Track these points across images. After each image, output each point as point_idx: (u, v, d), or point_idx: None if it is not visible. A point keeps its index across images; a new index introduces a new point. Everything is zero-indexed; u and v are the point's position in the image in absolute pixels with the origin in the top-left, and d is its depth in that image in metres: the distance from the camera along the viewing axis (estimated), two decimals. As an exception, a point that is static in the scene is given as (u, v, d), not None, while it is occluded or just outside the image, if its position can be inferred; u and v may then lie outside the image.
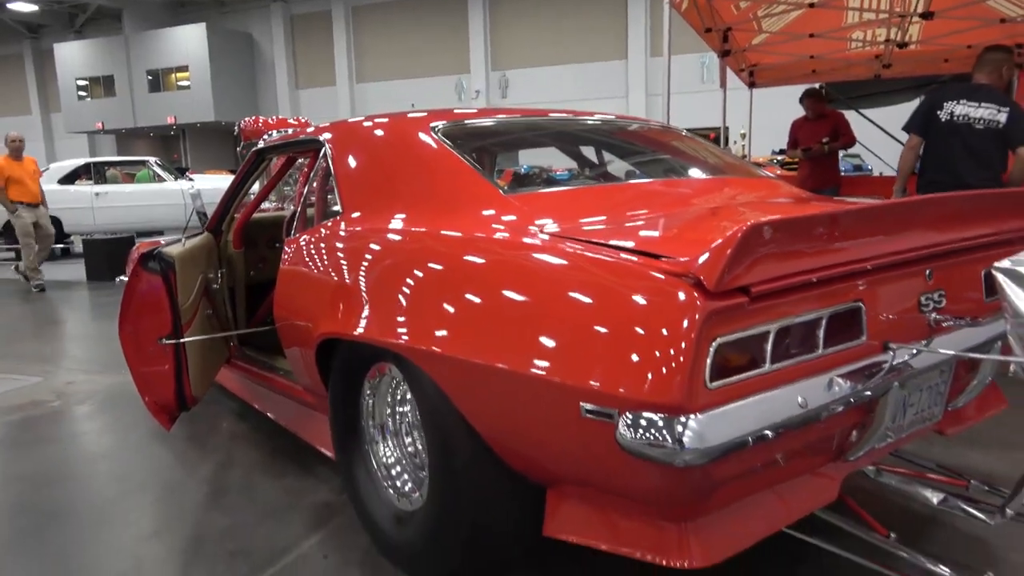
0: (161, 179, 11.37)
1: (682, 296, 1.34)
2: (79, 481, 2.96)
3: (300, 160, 3.44)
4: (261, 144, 3.26)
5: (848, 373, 1.56)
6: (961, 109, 4.03)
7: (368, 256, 2.13)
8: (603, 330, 1.44)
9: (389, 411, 2.23)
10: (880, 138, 7.59)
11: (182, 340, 2.63)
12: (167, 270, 2.62)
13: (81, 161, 11.61)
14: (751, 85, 8.73)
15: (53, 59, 31.24)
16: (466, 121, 2.48)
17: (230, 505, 2.67)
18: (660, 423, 1.32)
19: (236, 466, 3.03)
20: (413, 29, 27.14)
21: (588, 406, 1.44)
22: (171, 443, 3.31)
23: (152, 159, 11.98)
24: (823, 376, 1.52)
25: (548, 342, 1.54)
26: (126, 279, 2.70)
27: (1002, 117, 3.95)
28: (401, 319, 1.93)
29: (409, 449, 2.22)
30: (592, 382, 1.43)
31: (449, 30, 26.52)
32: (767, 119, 10.17)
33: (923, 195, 2.54)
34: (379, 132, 2.50)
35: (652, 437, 1.32)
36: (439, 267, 1.88)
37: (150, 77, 29.50)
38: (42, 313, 7.16)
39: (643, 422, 1.34)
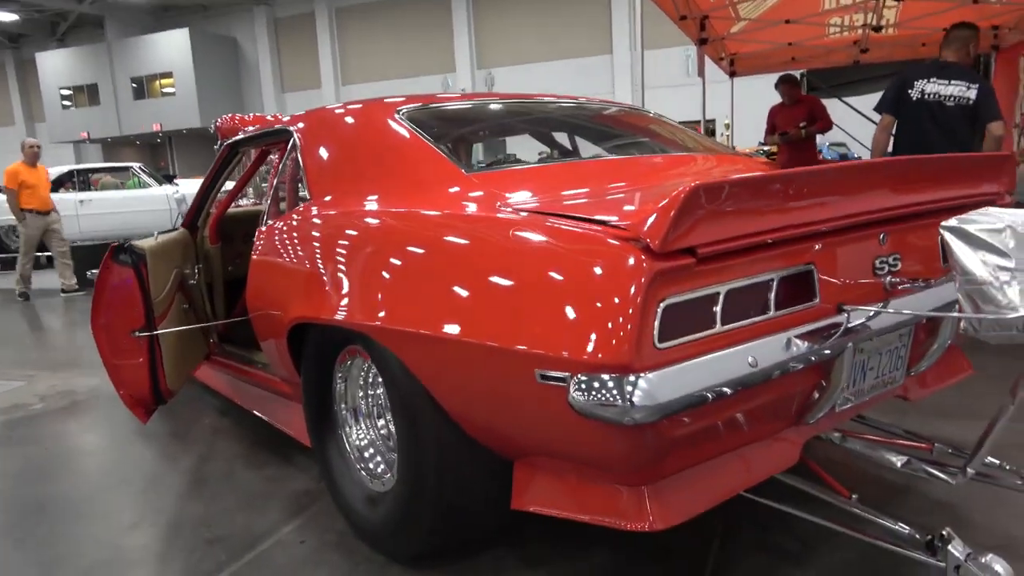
0: (146, 184, 11.34)
1: (628, 259, 1.36)
2: (62, 477, 2.96)
3: (272, 155, 3.44)
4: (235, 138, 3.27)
5: (801, 335, 1.58)
6: (932, 87, 4.07)
7: (332, 240, 2.15)
8: (554, 296, 1.46)
9: (361, 394, 2.25)
10: (863, 126, 7.65)
11: (155, 332, 2.64)
12: (138, 263, 2.62)
13: (64, 168, 11.58)
14: (732, 74, 8.77)
15: (35, 68, 31.00)
16: (432, 105, 2.50)
17: (210, 495, 2.69)
18: (610, 383, 1.34)
19: (217, 458, 3.04)
20: (397, 30, 27.08)
21: (542, 372, 1.46)
22: (153, 439, 3.32)
23: (136, 165, 11.95)
24: (775, 337, 1.54)
25: (502, 311, 1.56)
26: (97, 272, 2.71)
27: (972, 94, 3.99)
28: (364, 300, 1.95)
29: (382, 431, 2.24)
30: (544, 348, 1.45)
31: (434, 29, 26.48)
32: (754, 110, 10.21)
33: (873, 159, 2.56)
34: (346, 119, 2.51)
35: (603, 398, 1.34)
36: (396, 246, 1.91)
37: (134, 84, 29.32)
38: (26, 320, 7.14)
39: (595, 384, 1.36)
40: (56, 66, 30.58)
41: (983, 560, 1.55)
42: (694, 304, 1.43)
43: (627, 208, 1.69)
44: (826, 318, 1.66)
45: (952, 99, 4.02)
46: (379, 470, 2.21)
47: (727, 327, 1.48)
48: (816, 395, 1.74)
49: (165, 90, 28.89)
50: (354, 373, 2.23)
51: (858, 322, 1.69)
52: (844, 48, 7.85)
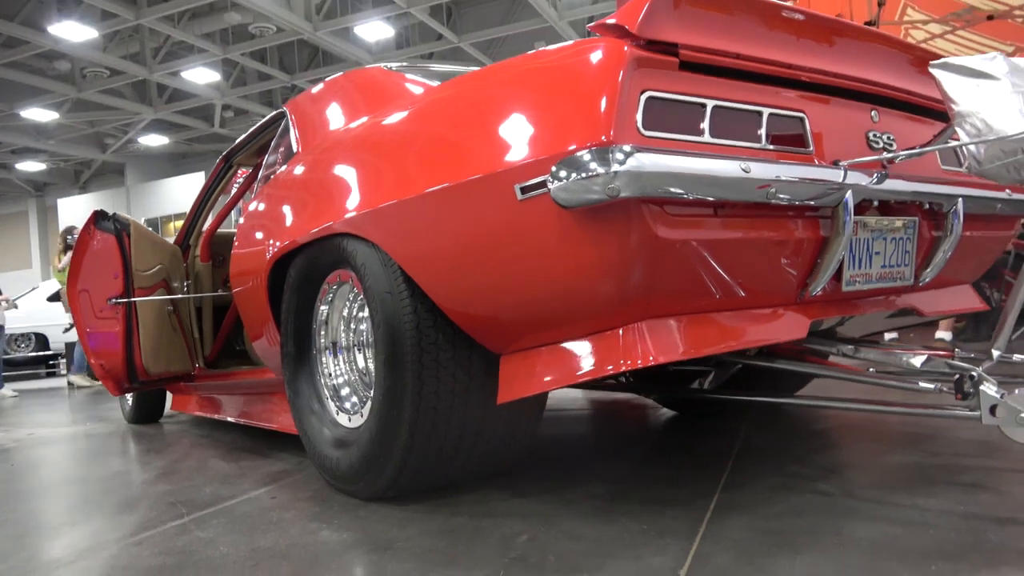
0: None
1: (607, 46, 1.33)
2: (29, 478, 2.76)
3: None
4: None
5: (797, 168, 1.50)
6: None
7: (316, 165, 2.14)
8: (531, 103, 1.44)
9: (343, 327, 2.12)
10: None
11: (132, 300, 2.54)
12: (121, 232, 2.57)
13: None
14: None
15: (56, 214, 32.15)
16: (418, 64, 2.56)
17: (179, 479, 2.48)
18: (593, 156, 1.26)
19: (191, 459, 2.84)
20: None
21: (521, 185, 1.38)
22: (127, 454, 3.12)
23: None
24: (770, 161, 1.46)
25: (474, 145, 1.54)
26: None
27: None
28: (344, 200, 1.90)
29: (360, 366, 2.10)
30: (523, 158, 1.39)
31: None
32: None
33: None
34: (336, 81, 2.56)
35: (586, 173, 1.26)
36: (376, 135, 1.91)
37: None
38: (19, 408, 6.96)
39: (576, 164, 1.28)
40: (76, 211, 31.69)
41: (1018, 392, 1.39)
42: (680, 107, 1.38)
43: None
44: (822, 168, 1.58)
45: None
46: (352, 405, 2.06)
47: (716, 140, 1.41)
48: (818, 260, 1.63)
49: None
50: (337, 304, 2.11)
51: (855, 179, 1.61)
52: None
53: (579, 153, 1.28)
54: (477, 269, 1.59)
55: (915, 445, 2.16)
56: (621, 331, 1.43)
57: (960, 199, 1.87)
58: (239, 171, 3.54)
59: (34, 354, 9.64)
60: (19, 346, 9.40)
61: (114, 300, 2.54)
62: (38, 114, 17.07)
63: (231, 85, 16.57)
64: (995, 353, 1.69)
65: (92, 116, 18.04)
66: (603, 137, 1.27)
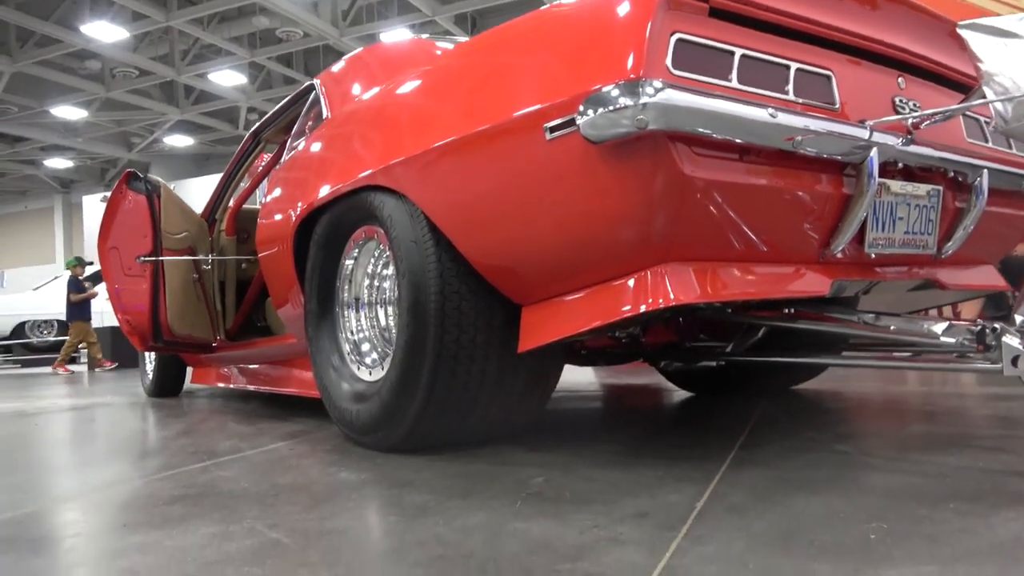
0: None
1: (638, -11, 1.36)
2: (55, 436, 2.81)
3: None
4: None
5: (824, 121, 1.52)
6: None
7: (342, 125, 2.18)
8: (564, 46, 1.48)
9: (367, 283, 2.15)
10: None
11: (160, 259, 2.59)
12: (152, 193, 2.63)
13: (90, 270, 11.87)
14: None
15: (81, 211, 32.59)
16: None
17: (199, 436, 2.51)
18: (621, 90, 1.29)
19: (211, 421, 2.88)
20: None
21: (550, 124, 1.41)
22: (148, 419, 3.16)
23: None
24: (797, 112, 1.48)
25: (509, 89, 1.57)
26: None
27: None
28: (374, 154, 1.94)
29: (381, 323, 2.13)
30: (552, 98, 1.43)
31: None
32: None
33: None
34: (368, 49, 2.62)
35: (615, 105, 1.28)
36: (406, 90, 1.95)
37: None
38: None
39: (606, 97, 1.31)
40: (101, 209, 32.14)
41: (1042, 342, 1.39)
42: (709, 53, 1.41)
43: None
44: (848, 125, 1.60)
45: None
46: (372, 361, 2.09)
47: (744, 87, 1.43)
48: (841, 219, 1.64)
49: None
50: (362, 260, 2.14)
51: (881, 139, 1.63)
52: None
53: (608, 88, 1.31)
54: (504, 213, 1.62)
55: (933, 419, 2.15)
56: (642, 275, 1.45)
57: (985, 171, 1.88)
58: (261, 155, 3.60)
59: (55, 339, 9.79)
60: (41, 332, 9.53)
61: (143, 258, 2.59)
62: (67, 112, 17.37)
63: (256, 88, 16.79)
64: (1018, 319, 1.69)
65: (120, 115, 18.34)
66: (633, 74, 1.29)
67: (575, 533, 1.17)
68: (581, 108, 1.34)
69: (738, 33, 1.46)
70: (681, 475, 1.54)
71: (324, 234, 2.17)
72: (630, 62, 1.31)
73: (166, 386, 3.88)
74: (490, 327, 1.78)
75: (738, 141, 1.38)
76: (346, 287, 2.16)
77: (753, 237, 1.55)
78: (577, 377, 4.05)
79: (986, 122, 2.02)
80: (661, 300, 1.41)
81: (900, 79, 1.79)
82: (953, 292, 2.12)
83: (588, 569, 1.01)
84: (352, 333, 2.15)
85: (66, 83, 15.64)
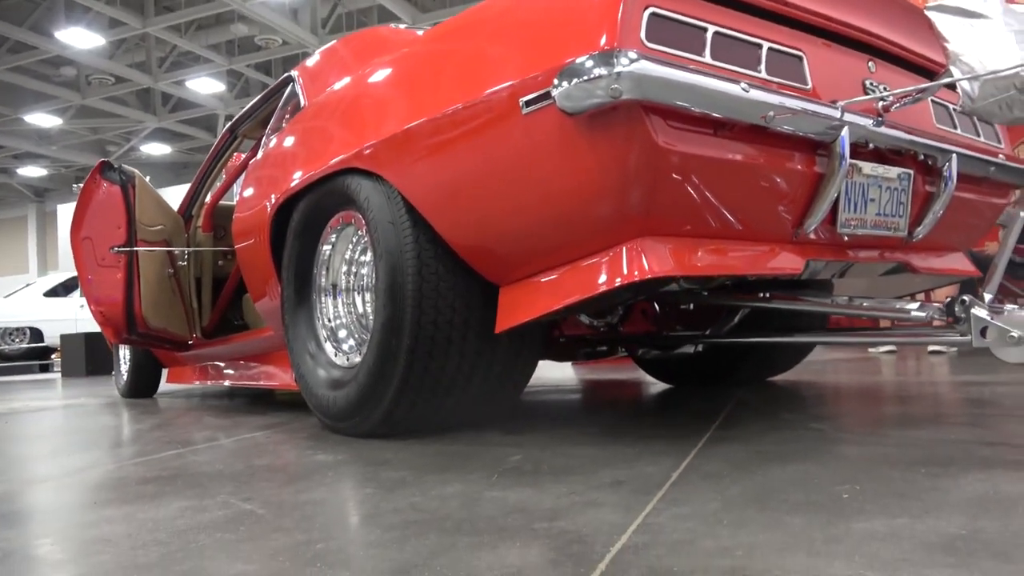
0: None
1: (612, -37, 1.37)
2: (28, 432, 2.76)
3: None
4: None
5: (795, 99, 1.54)
6: None
7: (318, 112, 2.18)
8: (538, 21, 1.50)
9: (345, 269, 2.14)
10: None
11: (135, 249, 2.56)
12: (127, 183, 2.60)
13: (64, 276, 11.69)
14: None
15: (55, 220, 32.13)
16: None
17: (174, 429, 2.48)
18: (595, 61, 1.30)
19: (186, 417, 2.84)
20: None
21: (527, 97, 1.42)
22: (122, 416, 3.12)
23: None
24: (769, 90, 1.50)
25: (484, 66, 1.59)
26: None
27: None
28: (352, 135, 1.94)
29: (359, 310, 2.12)
30: (527, 72, 1.44)
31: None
32: None
33: None
34: (345, 39, 2.62)
35: (590, 75, 1.29)
36: (381, 73, 1.96)
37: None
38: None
39: (580, 69, 1.32)
40: (75, 217, 31.75)
41: (1007, 312, 1.41)
42: (682, 28, 1.42)
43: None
44: (819, 105, 1.62)
45: None
46: (349, 348, 2.08)
47: (717, 63, 1.45)
48: (813, 198, 1.66)
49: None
50: (339, 246, 2.13)
51: (852, 119, 1.65)
52: None
53: (582, 59, 1.32)
54: (481, 191, 1.62)
55: (907, 402, 2.18)
56: (618, 250, 1.46)
57: (954, 156, 1.91)
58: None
59: (28, 346, 9.63)
60: (13, 340, 9.37)
61: (117, 248, 2.56)
62: (42, 119, 17.16)
63: (235, 96, 16.70)
64: (986, 296, 1.71)
65: (95, 123, 18.13)
66: (607, 46, 1.31)
67: (552, 499, 1.17)
68: (556, 80, 1.35)
69: (712, 11, 1.48)
70: (658, 450, 1.55)
71: (301, 221, 2.16)
72: (604, 35, 1.32)
73: (141, 386, 3.83)
74: (468, 307, 1.78)
75: (713, 115, 1.40)
76: (323, 273, 2.15)
77: (727, 214, 1.56)
78: (556, 373, 4.05)
79: (955, 108, 2.07)
80: (636, 273, 1.42)
81: (870, 63, 1.82)
82: (925, 277, 2.15)
83: (565, 527, 1.01)
84: (329, 320, 2.14)
85: (40, 90, 15.46)
